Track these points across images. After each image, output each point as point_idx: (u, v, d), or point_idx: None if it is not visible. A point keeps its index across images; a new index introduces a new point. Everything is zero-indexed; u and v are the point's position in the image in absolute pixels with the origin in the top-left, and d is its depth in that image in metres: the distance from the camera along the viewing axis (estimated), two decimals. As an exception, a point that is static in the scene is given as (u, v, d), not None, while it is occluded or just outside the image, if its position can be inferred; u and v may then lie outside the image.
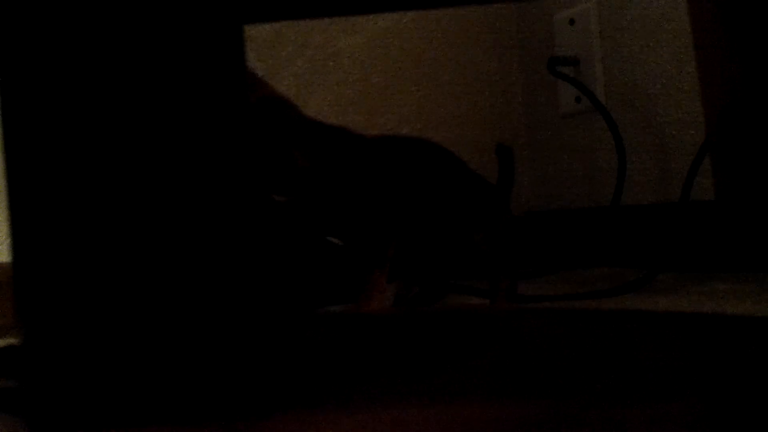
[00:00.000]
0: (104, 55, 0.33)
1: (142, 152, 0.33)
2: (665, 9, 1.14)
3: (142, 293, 0.33)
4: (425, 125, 1.37)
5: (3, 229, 1.20)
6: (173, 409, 0.32)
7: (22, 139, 0.33)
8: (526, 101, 1.42)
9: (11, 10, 0.33)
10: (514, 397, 0.31)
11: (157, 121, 0.33)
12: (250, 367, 0.33)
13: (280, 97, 0.86)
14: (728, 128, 0.96)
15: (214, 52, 0.34)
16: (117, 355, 0.32)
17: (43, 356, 0.32)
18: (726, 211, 1.02)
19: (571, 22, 1.30)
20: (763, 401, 0.29)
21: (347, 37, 1.33)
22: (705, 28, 0.99)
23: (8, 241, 1.20)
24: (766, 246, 1.00)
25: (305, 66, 1.31)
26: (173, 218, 0.33)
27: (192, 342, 0.33)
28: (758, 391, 0.30)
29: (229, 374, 0.33)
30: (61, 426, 0.32)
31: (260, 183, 0.87)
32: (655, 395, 0.31)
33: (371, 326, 0.59)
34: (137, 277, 0.32)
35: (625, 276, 1.09)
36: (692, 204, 1.07)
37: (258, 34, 1.28)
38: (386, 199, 0.85)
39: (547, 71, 1.27)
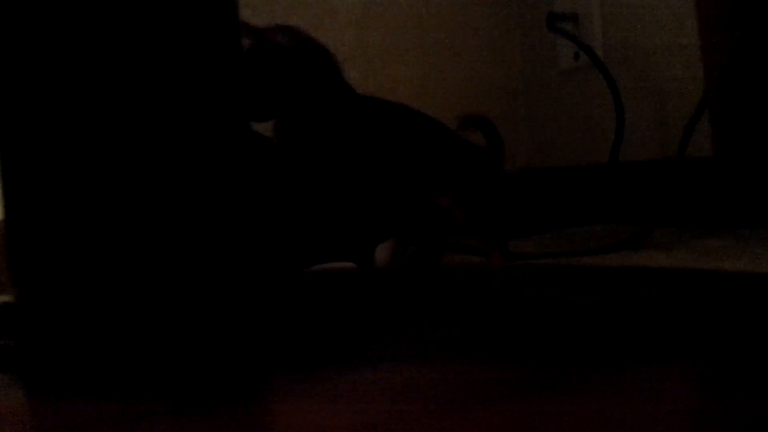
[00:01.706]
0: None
1: (134, 107, 0.32)
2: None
3: (134, 248, 0.32)
4: (422, 84, 1.36)
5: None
6: (164, 371, 0.32)
7: (10, 94, 0.32)
8: (524, 58, 1.41)
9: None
10: (515, 356, 0.31)
11: (146, 73, 0.33)
12: (243, 326, 0.33)
13: (318, 45, 0.86)
14: (728, 85, 0.95)
15: (207, 8, 0.34)
16: (111, 313, 0.32)
17: (37, 314, 0.32)
18: (724, 168, 1.02)
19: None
20: (760, 358, 0.29)
21: (343, -7, 1.32)
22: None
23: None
24: (763, 203, 1.00)
25: (300, 23, 1.29)
26: (164, 172, 0.32)
27: (183, 304, 0.32)
28: (755, 349, 0.30)
29: (222, 335, 0.33)
30: (56, 384, 0.32)
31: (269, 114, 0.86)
32: (653, 355, 0.31)
33: (366, 284, 0.59)
34: (129, 232, 0.32)
35: (621, 233, 1.09)
36: (689, 161, 1.07)
37: (252, -9, 1.26)
38: (367, 158, 0.85)
39: (546, 27, 1.25)
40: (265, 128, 1.22)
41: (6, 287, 0.82)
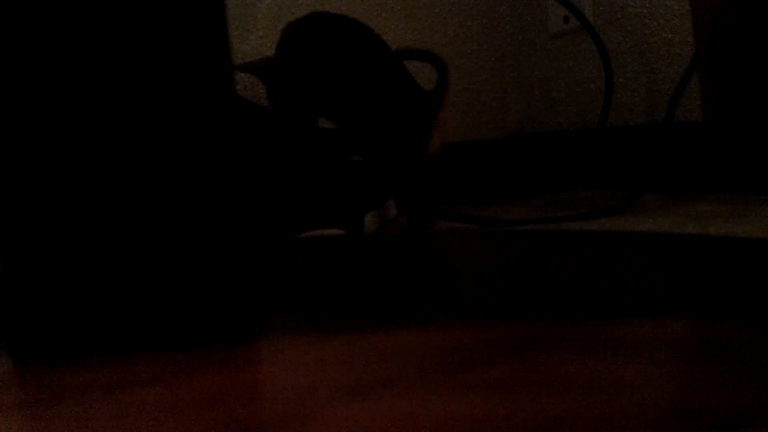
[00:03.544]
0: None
1: (120, 69, 0.32)
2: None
3: (120, 215, 0.32)
4: (411, 44, 1.35)
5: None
6: (152, 335, 0.32)
7: None
8: (514, 21, 1.40)
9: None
10: (506, 318, 0.31)
11: (132, 40, 0.32)
12: (231, 290, 0.33)
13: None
14: (719, 45, 0.94)
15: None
16: (95, 281, 0.32)
17: (22, 282, 0.32)
18: (713, 130, 1.02)
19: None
20: (744, 317, 0.29)
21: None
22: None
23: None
24: (752, 167, 1.00)
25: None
26: (148, 137, 0.32)
27: (172, 266, 0.32)
28: (740, 308, 0.30)
29: (209, 298, 0.33)
30: (41, 351, 0.32)
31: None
32: (640, 313, 0.31)
33: (359, 250, 0.59)
34: (114, 198, 0.32)
35: (609, 198, 1.09)
36: (677, 125, 1.06)
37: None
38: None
39: (535, -10, 1.24)
40: (256, 95, 1.21)
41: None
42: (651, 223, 0.81)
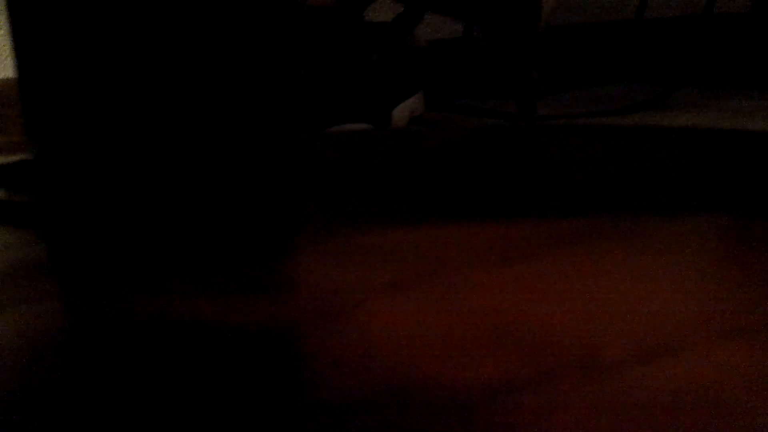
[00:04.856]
0: None
1: None
2: None
3: (154, 109, 0.32)
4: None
5: (4, 44, 1.17)
6: (186, 226, 0.32)
7: None
8: None
9: None
10: (545, 213, 0.31)
11: None
12: (273, 182, 0.33)
13: None
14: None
15: None
16: (132, 165, 0.32)
17: (54, 171, 0.32)
18: (756, 23, 0.98)
19: None
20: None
21: None
22: None
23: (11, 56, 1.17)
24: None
25: None
26: (189, 33, 0.31)
27: (210, 154, 0.32)
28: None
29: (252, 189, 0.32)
30: (76, 242, 0.32)
31: None
32: (674, 209, 0.30)
33: (387, 144, 0.58)
34: (149, 92, 0.31)
35: (643, 94, 1.07)
36: (718, 17, 1.02)
37: None
38: None
39: None
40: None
41: (20, 147, 0.82)
42: (686, 118, 0.79)
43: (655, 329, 0.19)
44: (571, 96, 1.14)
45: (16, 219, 0.34)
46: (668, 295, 0.21)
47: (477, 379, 0.17)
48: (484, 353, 0.18)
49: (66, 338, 0.21)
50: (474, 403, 0.16)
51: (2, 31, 1.16)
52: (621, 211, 0.30)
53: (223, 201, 0.32)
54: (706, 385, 0.16)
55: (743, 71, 1.02)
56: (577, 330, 0.19)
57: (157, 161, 0.32)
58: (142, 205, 0.32)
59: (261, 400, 0.16)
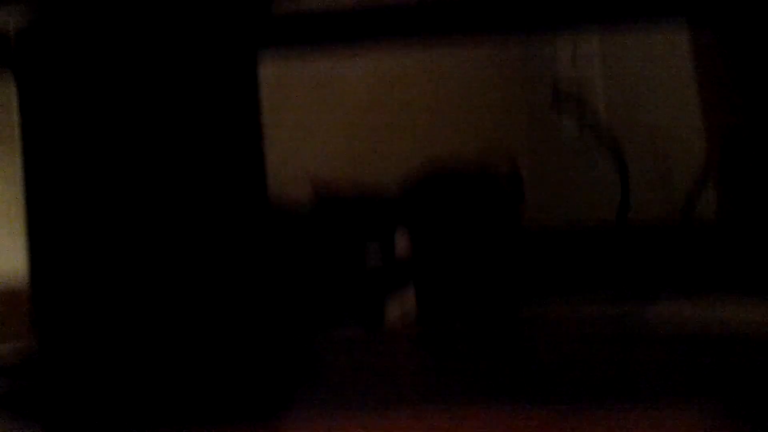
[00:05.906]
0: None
1: (162, 168, 0.34)
2: (665, 48, 1.16)
3: (160, 303, 0.33)
4: (429, 157, 1.39)
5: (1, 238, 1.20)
6: (187, 412, 0.32)
7: (40, 153, 0.34)
8: (529, 135, 1.44)
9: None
10: (527, 401, 0.31)
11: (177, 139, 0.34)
12: (260, 367, 0.33)
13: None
14: (732, 157, 0.97)
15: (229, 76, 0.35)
16: (128, 360, 0.33)
17: (58, 361, 0.32)
18: (729, 234, 1.03)
19: (574, 60, 1.32)
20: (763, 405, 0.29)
21: (352, 72, 1.36)
22: (708, 65, 1.01)
23: (10, 249, 1.20)
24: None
25: (309, 103, 1.33)
26: (190, 234, 0.33)
27: (208, 347, 0.33)
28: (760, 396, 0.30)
29: (245, 379, 0.33)
30: (76, 428, 0.32)
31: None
32: (659, 399, 0.31)
33: (386, 344, 0.59)
34: (156, 286, 0.33)
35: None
36: (694, 230, 1.08)
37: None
38: None
39: (551, 105, 1.28)
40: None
41: (12, 336, 0.82)
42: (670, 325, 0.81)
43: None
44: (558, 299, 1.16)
45: (18, 407, 0.34)
46: None
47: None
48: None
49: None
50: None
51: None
52: (602, 401, 0.31)
53: (219, 382, 0.33)
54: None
55: (718, 277, 1.05)
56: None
57: (157, 355, 0.32)
58: (142, 392, 0.33)
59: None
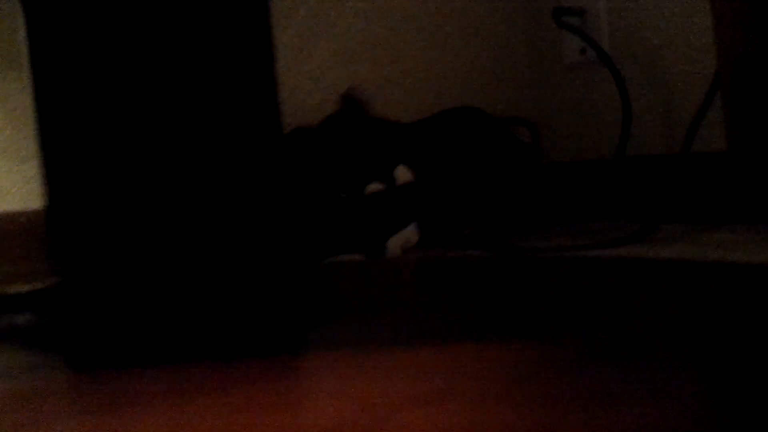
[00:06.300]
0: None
1: (183, 103, 0.33)
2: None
3: (177, 230, 0.33)
4: (427, 78, 1.36)
5: (11, 177, 1.20)
6: (210, 346, 0.33)
7: (53, 81, 0.33)
8: (530, 53, 1.41)
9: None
10: (546, 337, 0.32)
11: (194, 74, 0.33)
12: (281, 302, 0.34)
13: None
14: (744, 78, 0.95)
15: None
16: (153, 292, 0.33)
17: (81, 291, 0.33)
18: (735, 160, 1.02)
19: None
20: (763, 347, 0.29)
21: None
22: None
23: (21, 189, 1.20)
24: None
25: (307, 16, 1.30)
26: (204, 162, 0.33)
27: (231, 281, 0.33)
28: (759, 339, 0.31)
29: (262, 310, 0.33)
30: (99, 360, 0.33)
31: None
32: (656, 346, 0.31)
33: (387, 272, 0.60)
34: (171, 218, 0.33)
35: (626, 228, 1.10)
36: (695, 156, 1.07)
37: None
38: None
39: (552, 21, 1.26)
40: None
41: (37, 275, 0.83)
42: (670, 251, 0.82)
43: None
44: (559, 230, 1.17)
45: (41, 341, 0.35)
46: (650, 415, 0.22)
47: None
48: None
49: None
50: None
51: (5, 169, 1.19)
52: (616, 335, 0.31)
53: (235, 323, 0.33)
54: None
55: (726, 206, 1.05)
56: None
57: (180, 279, 0.33)
58: (159, 325, 0.33)
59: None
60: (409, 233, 0.93)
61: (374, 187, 0.95)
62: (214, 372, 0.29)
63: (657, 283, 0.46)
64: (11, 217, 1.18)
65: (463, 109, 1.15)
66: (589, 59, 1.27)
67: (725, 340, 0.30)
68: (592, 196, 1.28)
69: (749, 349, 0.29)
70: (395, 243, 0.91)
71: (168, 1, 0.32)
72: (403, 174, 0.95)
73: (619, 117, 1.22)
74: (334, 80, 1.31)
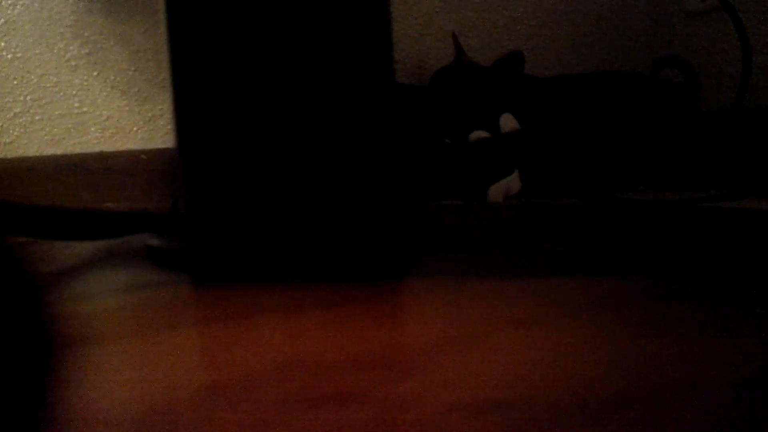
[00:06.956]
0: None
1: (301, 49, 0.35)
2: None
3: (296, 165, 0.35)
4: (541, 24, 1.34)
5: (133, 118, 1.26)
6: (323, 267, 0.35)
7: (186, 26, 0.35)
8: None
9: None
10: (644, 273, 0.32)
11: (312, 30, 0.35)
12: (389, 229, 0.36)
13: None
14: None
15: None
16: (269, 220, 0.36)
17: (206, 219, 0.36)
18: None
19: None
20: None
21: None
22: None
23: (141, 129, 1.26)
24: None
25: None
26: (328, 111, 0.35)
27: (345, 207, 0.36)
28: None
29: (372, 236, 0.36)
30: (219, 275, 0.36)
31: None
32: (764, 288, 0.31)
33: (489, 214, 0.61)
34: (293, 151, 0.35)
35: (737, 184, 1.06)
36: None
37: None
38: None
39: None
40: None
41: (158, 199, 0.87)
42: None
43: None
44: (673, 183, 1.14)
45: (171, 262, 0.38)
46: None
47: (591, 398, 0.19)
48: (596, 376, 0.20)
49: (203, 359, 0.24)
50: (594, 415, 0.18)
51: (127, 109, 1.26)
52: (717, 273, 0.32)
53: (344, 252, 0.35)
54: None
55: None
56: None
57: (291, 216, 0.35)
58: (275, 250, 0.36)
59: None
60: (511, 181, 0.93)
61: (477, 134, 0.95)
62: (323, 291, 0.31)
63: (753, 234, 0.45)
64: (133, 155, 1.25)
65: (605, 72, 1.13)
66: (709, 6, 1.22)
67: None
68: (704, 150, 1.24)
69: None
70: (497, 190, 0.92)
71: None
72: (508, 122, 0.95)
73: (739, 67, 1.17)
74: (442, 26, 1.31)
